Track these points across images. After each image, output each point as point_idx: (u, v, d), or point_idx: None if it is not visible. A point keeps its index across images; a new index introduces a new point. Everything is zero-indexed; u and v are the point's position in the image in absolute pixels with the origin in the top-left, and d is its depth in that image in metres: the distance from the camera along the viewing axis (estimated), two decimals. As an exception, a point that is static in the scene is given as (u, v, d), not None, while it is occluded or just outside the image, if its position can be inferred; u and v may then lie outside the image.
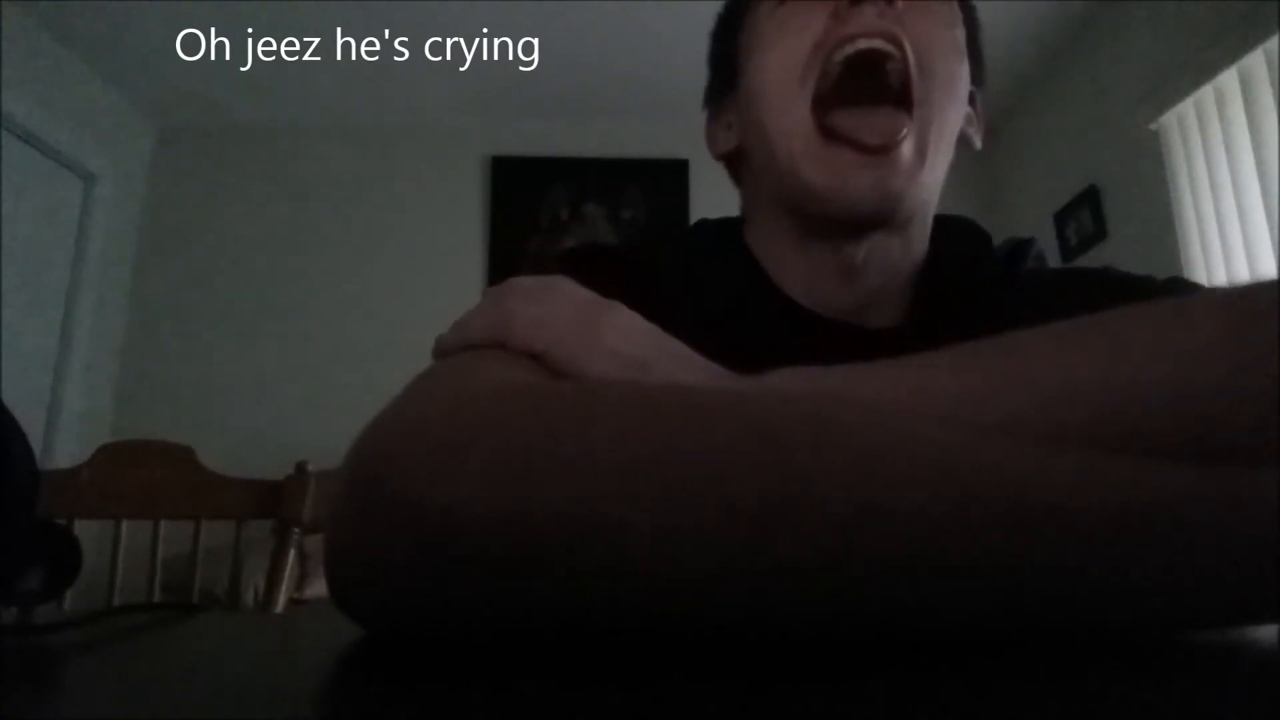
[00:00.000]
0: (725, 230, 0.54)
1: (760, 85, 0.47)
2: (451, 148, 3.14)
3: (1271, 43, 1.88)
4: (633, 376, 0.34)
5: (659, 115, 2.94)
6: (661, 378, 0.33)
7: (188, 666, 0.28)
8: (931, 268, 0.50)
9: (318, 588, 2.08)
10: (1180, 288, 0.45)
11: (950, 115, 0.46)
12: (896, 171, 0.43)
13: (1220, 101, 2.06)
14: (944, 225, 0.52)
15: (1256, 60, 1.94)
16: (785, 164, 0.45)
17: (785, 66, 0.45)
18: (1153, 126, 2.27)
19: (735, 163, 0.54)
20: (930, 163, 0.45)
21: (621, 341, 0.35)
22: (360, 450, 0.27)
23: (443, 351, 0.39)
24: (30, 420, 2.44)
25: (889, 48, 0.43)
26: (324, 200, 3.09)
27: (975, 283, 0.49)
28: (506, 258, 2.97)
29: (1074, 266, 0.55)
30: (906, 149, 0.43)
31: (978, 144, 0.51)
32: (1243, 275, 2.00)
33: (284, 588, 0.94)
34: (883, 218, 0.44)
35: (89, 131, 2.73)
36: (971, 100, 0.51)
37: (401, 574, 0.24)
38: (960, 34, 0.47)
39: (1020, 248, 0.52)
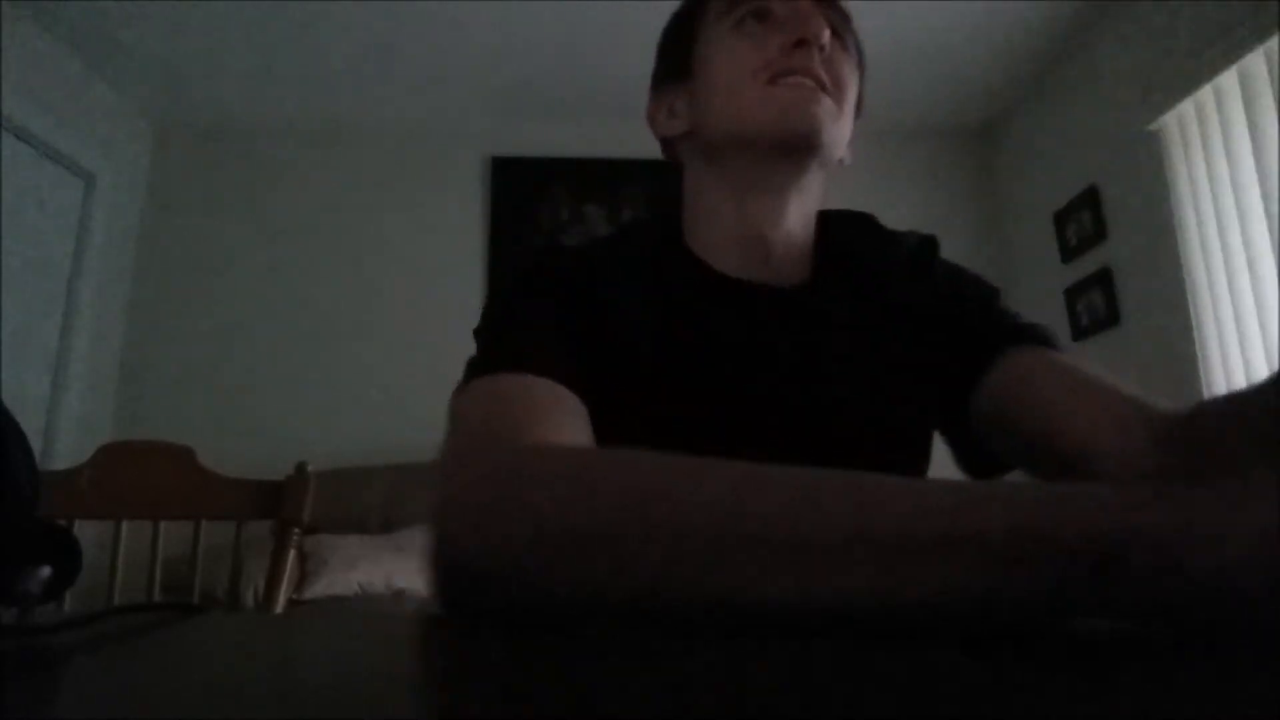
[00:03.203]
0: (662, 225, 0.65)
1: (719, 81, 0.60)
2: (451, 148, 3.14)
3: (1271, 43, 1.88)
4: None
5: (659, 115, 2.94)
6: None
7: (188, 666, 0.28)
8: (823, 240, 0.65)
9: (317, 588, 2.08)
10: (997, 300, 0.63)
11: (846, 125, 0.61)
12: (822, 107, 0.57)
13: (1220, 102, 2.07)
14: (830, 214, 0.66)
15: (1256, 60, 1.94)
16: (738, 117, 0.59)
17: (740, 68, 0.59)
18: (1153, 127, 2.28)
19: (675, 144, 0.66)
20: (839, 127, 0.59)
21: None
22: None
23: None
24: (30, 420, 2.45)
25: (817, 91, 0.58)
26: (324, 200, 3.09)
27: (862, 248, 0.65)
28: (506, 258, 2.97)
29: (957, 265, 0.68)
30: (827, 101, 0.58)
31: (848, 160, 0.65)
32: (1242, 275, 2.01)
33: (284, 588, 0.94)
34: (810, 137, 0.57)
35: (89, 131, 2.73)
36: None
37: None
38: (858, 78, 0.63)
39: (929, 242, 0.66)
